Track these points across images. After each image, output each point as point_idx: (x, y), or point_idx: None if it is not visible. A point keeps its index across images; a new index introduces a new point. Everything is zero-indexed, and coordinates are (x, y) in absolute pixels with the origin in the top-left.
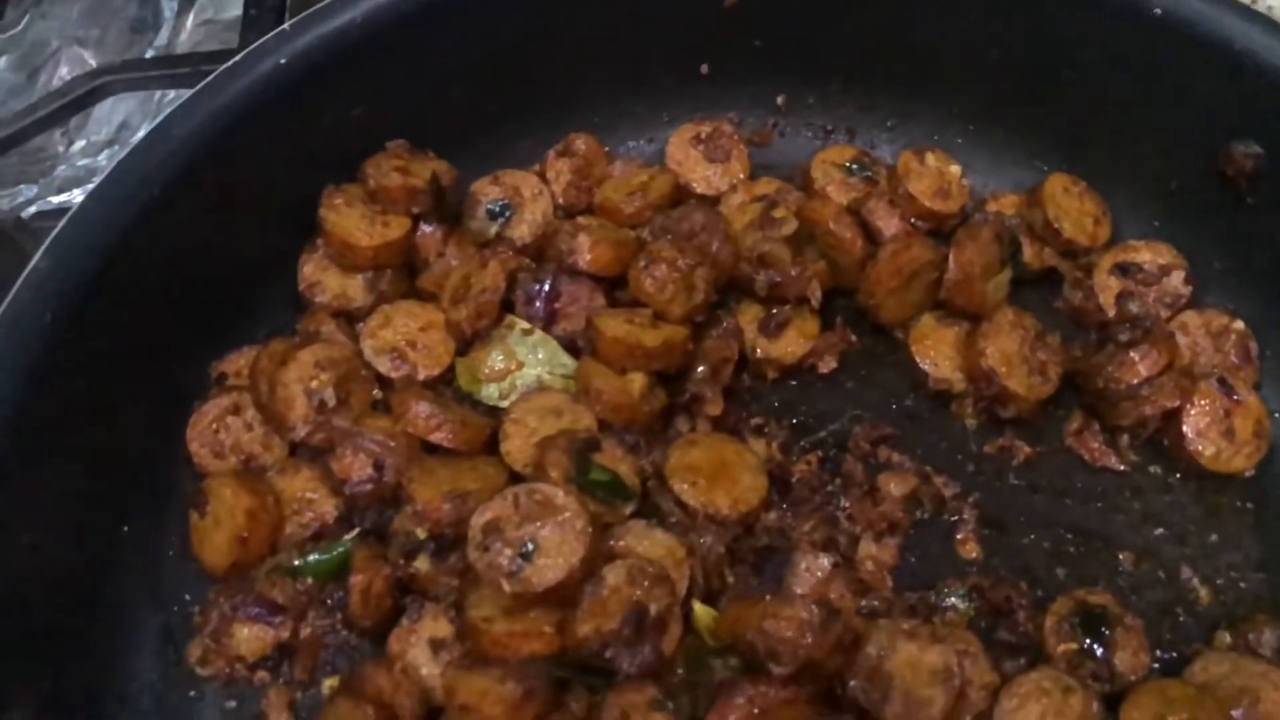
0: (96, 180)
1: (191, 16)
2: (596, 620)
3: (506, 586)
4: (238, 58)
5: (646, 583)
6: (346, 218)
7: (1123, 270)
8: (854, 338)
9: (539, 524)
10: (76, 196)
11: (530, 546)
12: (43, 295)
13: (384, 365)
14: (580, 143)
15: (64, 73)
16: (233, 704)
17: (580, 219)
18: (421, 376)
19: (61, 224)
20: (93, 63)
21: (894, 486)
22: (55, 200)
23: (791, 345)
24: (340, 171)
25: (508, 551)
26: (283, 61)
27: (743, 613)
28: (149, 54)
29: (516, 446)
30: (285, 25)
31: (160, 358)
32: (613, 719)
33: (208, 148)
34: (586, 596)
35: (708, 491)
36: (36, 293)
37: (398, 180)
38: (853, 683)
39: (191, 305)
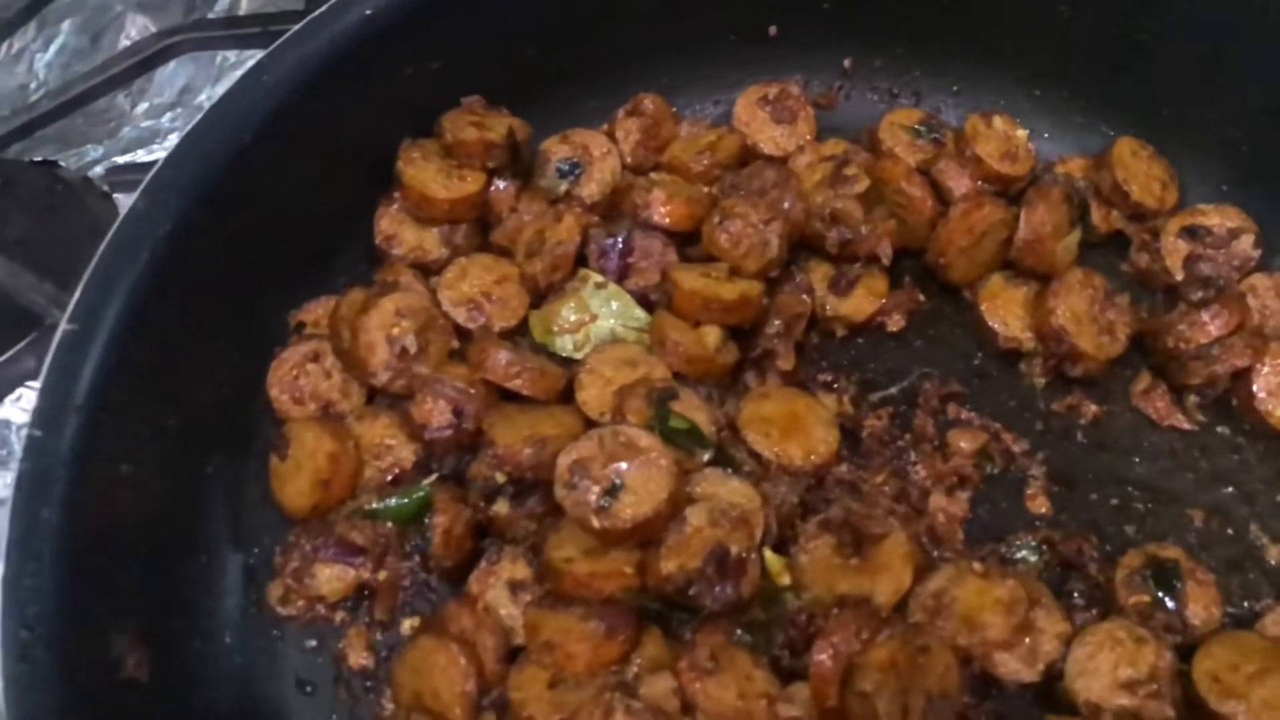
0: (162, 139)
1: None
2: (680, 558)
3: (595, 522)
4: (324, 8)
5: (727, 525)
6: (424, 171)
7: (1191, 233)
8: (921, 297)
9: (625, 463)
10: (140, 156)
11: (618, 483)
12: (141, 235)
13: (461, 316)
14: (648, 102)
15: (132, 34)
16: (313, 643)
17: (653, 175)
18: (497, 328)
19: (158, 165)
20: (153, 28)
21: (964, 442)
22: (120, 160)
23: (861, 303)
24: (415, 125)
25: (595, 489)
26: (369, 12)
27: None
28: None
29: (592, 395)
30: None
31: (243, 304)
32: (703, 658)
33: (296, 95)
34: (670, 536)
35: (780, 442)
36: (135, 232)
37: (474, 134)
38: (912, 602)
39: (273, 253)
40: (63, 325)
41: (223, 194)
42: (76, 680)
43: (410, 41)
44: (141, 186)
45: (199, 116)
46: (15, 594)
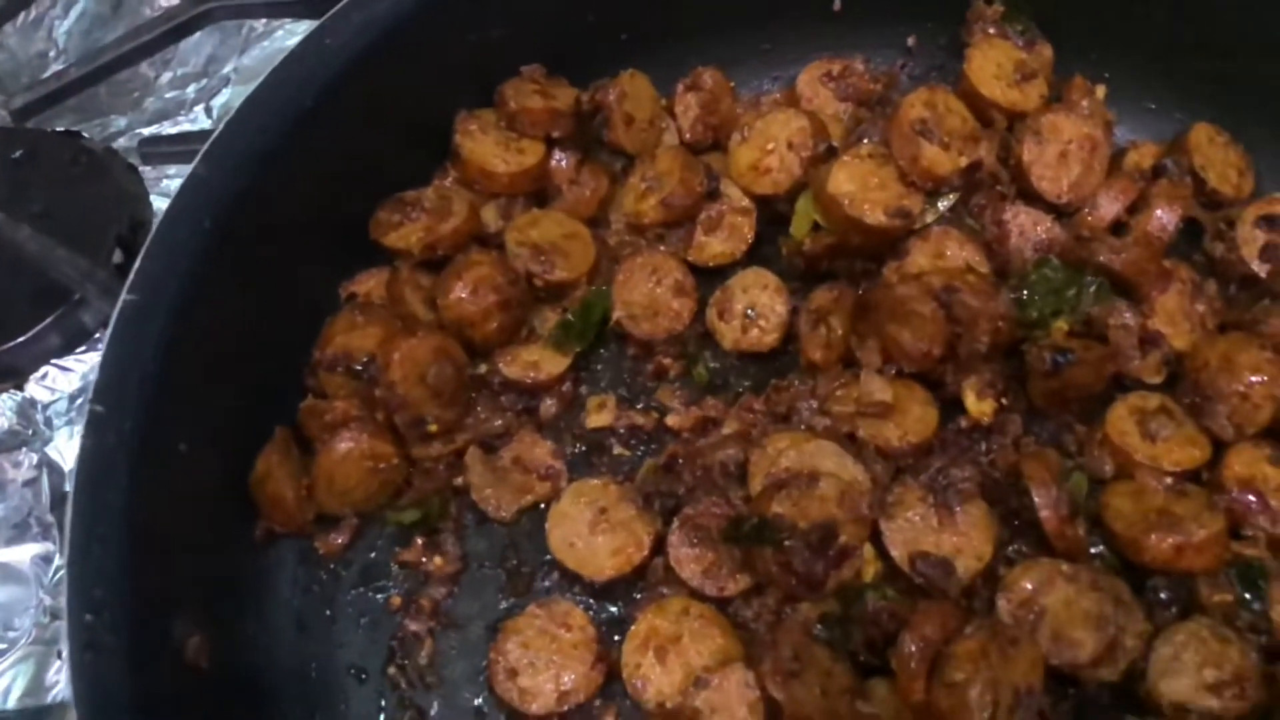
0: (188, 111)
1: None
2: (791, 508)
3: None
4: None
5: (850, 513)
6: (482, 144)
7: (1269, 222)
8: None
9: None
10: (166, 128)
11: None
12: (201, 202)
13: (523, 259)
14: (707, 77)
15: (160, 3)
16: (365, 620)
17: None
18: (558, 277)
19: (218, 130)
20: None
21: None
22: (145, 131)
23: None
24: (472, 95)
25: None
26: None
27: None
28: None
29: None
30: None
31: (297, 275)
32: (787, 658)
33: (357, 60)
34: (794, 487)
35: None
36: (196, 199)
37: (539, 103)
38: (1001, 602)
39: (327, 223)
40: (123, 296)
41: (282, 160)
42: (141, 669)
43: (474, 5)
44: (202, 151)
45: (259, 79)
46: (80, 575)
